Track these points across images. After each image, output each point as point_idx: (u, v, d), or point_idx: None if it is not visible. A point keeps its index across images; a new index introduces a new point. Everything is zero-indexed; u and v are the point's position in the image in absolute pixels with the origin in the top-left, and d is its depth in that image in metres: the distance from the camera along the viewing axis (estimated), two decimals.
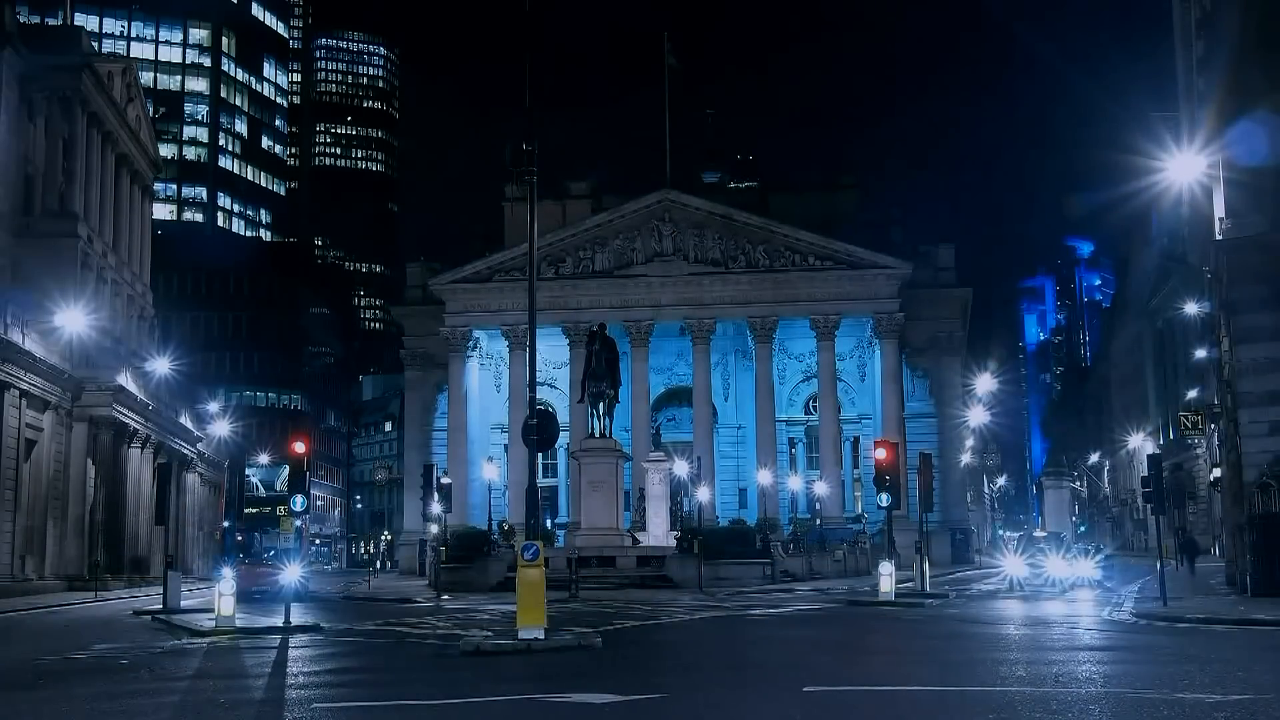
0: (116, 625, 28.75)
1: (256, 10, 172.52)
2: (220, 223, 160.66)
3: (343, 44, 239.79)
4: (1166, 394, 66.63)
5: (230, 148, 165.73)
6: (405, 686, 15.16)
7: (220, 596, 25.59)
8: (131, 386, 56.04)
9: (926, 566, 36.28)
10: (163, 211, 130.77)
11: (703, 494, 50.17)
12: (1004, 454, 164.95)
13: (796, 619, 27.10)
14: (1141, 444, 72.94)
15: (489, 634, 20.83)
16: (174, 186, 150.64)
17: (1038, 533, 64.97)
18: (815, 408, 72.63)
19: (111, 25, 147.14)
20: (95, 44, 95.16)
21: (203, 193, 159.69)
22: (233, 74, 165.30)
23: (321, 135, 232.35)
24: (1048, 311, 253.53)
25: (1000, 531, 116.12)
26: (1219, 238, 34.82)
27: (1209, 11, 41.49)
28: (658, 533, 49.25)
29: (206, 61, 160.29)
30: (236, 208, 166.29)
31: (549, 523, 64.15)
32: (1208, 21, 41.72)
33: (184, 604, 32.90)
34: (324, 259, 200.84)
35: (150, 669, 18.09)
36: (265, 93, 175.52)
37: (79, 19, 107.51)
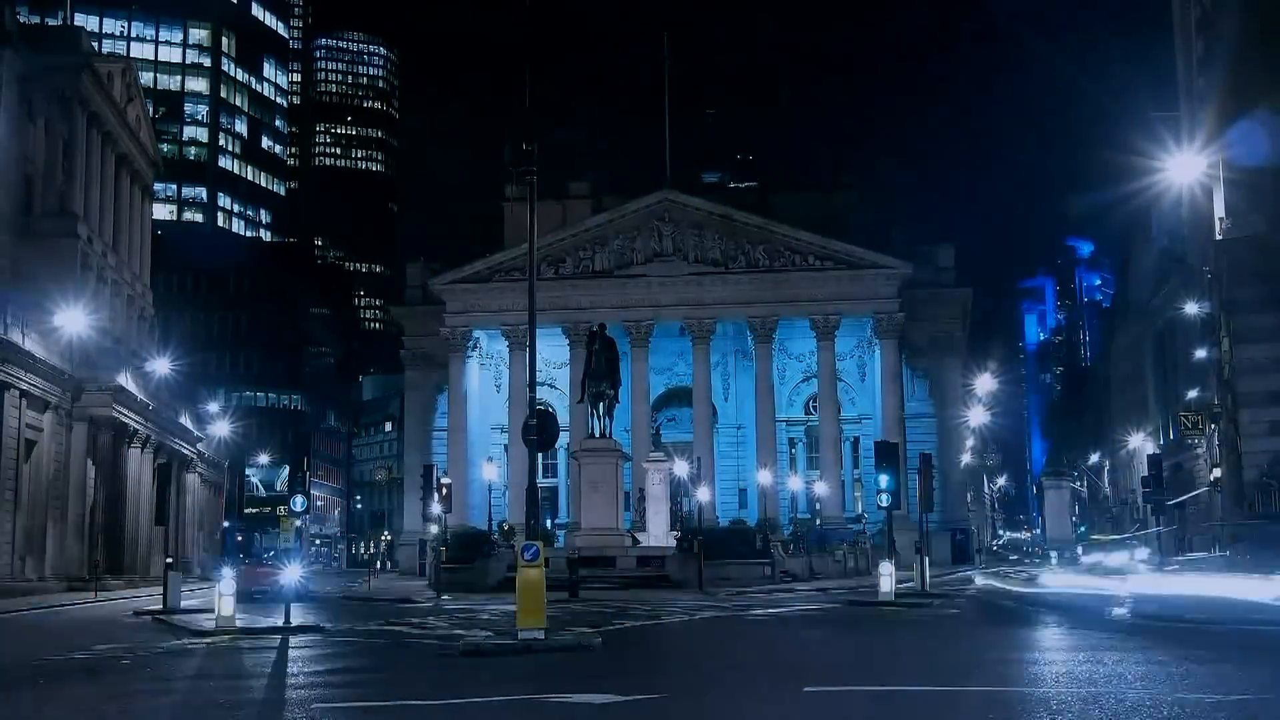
0: (117, 625, 28.73)
1: (256, 10, 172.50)
2: (220, 223, 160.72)
3: (343, 44, 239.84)
4: (1166, 394, 66.39)
5: (230, 148, 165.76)
6: (405, 687, 15.17)
7: (220, 597, 25.61)
8: (131, 387, 56.01)
9: (927, 566, 36.30)
10: (163, 211, 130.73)
11: (703, 494, 50.10)
12: (1004, 454, 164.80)
13: (797, 619, 27.10)
14: (1141, 444, 72.76)
15: (489, 634, 20.84)
16: (174, 186, 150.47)
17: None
18: (815, 408, 72.65)
19: (111, 25, 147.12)
20: (95, 44, 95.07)
21: (203, 193, 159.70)
22: (232, 74, 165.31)
23: (321, 135, 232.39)
24: (1048, 312, 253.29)
25: (1001, 531, 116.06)
26: (1219, 238, 34.92)
27: (1209, 11, 41.56)
28: (658, 533, 49.24)
29: (206, 61, 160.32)
30: (236, 208, 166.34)
31: (549, 523, 64.15)
32: (1207, 21, 41.79)
33: (184, 604, 32.90)
34: (324, 259, 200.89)
35: (151, 669, 18.11)
36: (265, 93, 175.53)
37: (79, 19, 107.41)
